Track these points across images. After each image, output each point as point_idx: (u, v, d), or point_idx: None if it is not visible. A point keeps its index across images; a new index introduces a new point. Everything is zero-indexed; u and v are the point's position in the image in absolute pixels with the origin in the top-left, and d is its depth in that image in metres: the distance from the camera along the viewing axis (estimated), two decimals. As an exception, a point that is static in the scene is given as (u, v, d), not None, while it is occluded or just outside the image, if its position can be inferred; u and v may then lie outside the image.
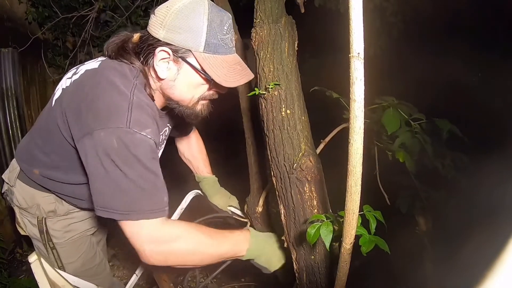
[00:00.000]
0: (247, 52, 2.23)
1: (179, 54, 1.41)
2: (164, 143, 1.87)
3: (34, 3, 4.14)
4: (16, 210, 1.86)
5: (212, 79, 1.39)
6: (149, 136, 1.33)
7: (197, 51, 1.38)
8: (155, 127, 1.41)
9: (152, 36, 1.42)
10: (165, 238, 1.40)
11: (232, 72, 1.43)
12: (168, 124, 1.81)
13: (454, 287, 1.47)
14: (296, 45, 1.69)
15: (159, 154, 1.78)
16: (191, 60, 1.41)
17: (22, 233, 1.92)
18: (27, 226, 1.86)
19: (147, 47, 1.45)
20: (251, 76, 1.49)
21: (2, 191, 1.91)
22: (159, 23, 1.39)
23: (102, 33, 4.37)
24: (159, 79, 1.48)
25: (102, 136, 1.27)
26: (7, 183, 1.85)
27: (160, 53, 1.41)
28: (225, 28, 1.41)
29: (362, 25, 0.75)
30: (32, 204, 1.78)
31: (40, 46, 4.21)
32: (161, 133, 1.71)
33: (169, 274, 2.41)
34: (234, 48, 1.49)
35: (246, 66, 1.50)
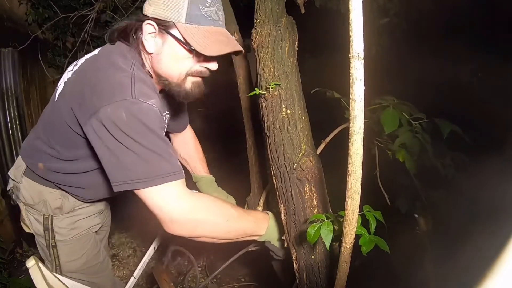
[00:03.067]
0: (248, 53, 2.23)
1: (162, 26, 1.44)
2: (164, 132, 1.86)
3: (34, 4, 4.14)
4: (22, 207, 1.88)
5: (193, 48, 1.40)
6: (154, 106, 1.36)
7: (179, 22, 1.41)
8: (158, 100, 1.43)
9: (143, 14, 1.49)
10: (194, 206, 1.43)
11: (215, 42, 1.43)
12: (166, 111, 1.80)
13: (454, 287, 1.48)
14: (296, 45, 1.69)
15: None
16: (174, 31, 1.44)
17: (27, 230, 1.93)
18: (32, 223, 1.87)
19: (135, 23, 1.51)
20: (237, 47, 1.48)
21: (8, 188, 1.92)
22: (148, 2, 1.47)
23: (102, 33, 4.37)
24: (148, 53, 1.52)
25: (109, 112, 1.29)
26: (13, 180, 1.87)
27: (147, 27, 1.46)
28: (209, 1, 1.43)
29: (362, 25, 0.75)
30: (38, 200, 1.80)
31: (40, 46, 4.20)
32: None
33: (169, 274, 2.41)
34: (221, 22, 1.50)
35: (235, 40, 1.52)
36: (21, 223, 1.93)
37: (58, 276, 1.80)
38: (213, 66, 1.53)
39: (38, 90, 4.31)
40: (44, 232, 1.84)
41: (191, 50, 1.44)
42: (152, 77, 1.57)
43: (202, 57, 1.48)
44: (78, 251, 1.94)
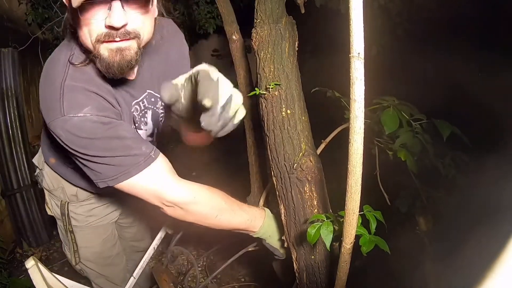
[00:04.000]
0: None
1: None
2: (160, 112, 1.74)
3: (34, 4, 4.14)
4: (46, 192, 1.97)
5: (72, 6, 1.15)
6: (88, 114, 1.30)
7: None
8: (98, 101, 1.37)
9: None
10: (183, 195, 1.44)
11: None
12: (148, 90, 1.64)
13: (454, 287, 1.48)
14: (296, 45, 1.69)
15: (160, 120, 1.76)
16: None
17: (49, 213, 2.03)
18: (53, 207, 1.97)
19: None
20: None
21: (35, 173, 2.01)
22: None
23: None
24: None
25: (53, 129, 1.32)
26: (37, 166, 1.96)
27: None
28: None
29: (363, 25, 0.75)
30: (57, 186, 1.87)
31: (40, 46, 4.20)
32: (138, 100, 1.60)
33: (169, 274, 2.41)
34: None
35: None
36: (46, 206, 2.04)
37: (58, 276, 1.81)
38: (112, 20, 1.17)
39: (38, 90, 4.31)
40: (62, 217, 1.91)
41: (75, 9, 1.17)
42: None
43: (91, 13, 1.19)
44: (93, 239, 2.01)
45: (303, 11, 1.99)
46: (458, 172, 1.67)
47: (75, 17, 1.21)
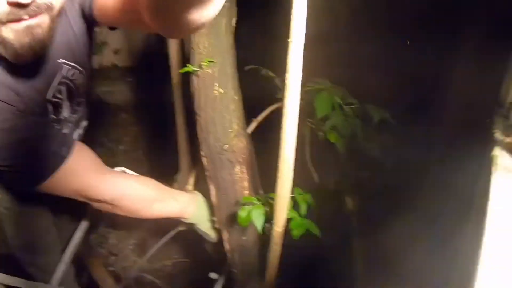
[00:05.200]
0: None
1: None
2: (78, 83, 1.40)
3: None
4: None
5: None
6: None
7: None
8: None
9: None
10: (108, 194, 1.42)
11: None
12: (60, 60, 1.27)
13: (380, 267, 1.55)
14: (234, 21, 1.63)
15: (76, 93, 1.44)
16: None
17: None
18: None
19: None
20: None
21: None
22: None
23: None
24: None
25: None
26: None
27: None
28: None
29: (306, 9, 0.74)
30: None
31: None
32: (55, 80, 1.28)
33: (98, 257, 2.35)
34: None
35: None
36: None
37: None
38: None
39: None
40: None
41: None
42: None
43: None
44: (22, 227, 1.81)
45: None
46: (385, 154, 1.73)
47: None
